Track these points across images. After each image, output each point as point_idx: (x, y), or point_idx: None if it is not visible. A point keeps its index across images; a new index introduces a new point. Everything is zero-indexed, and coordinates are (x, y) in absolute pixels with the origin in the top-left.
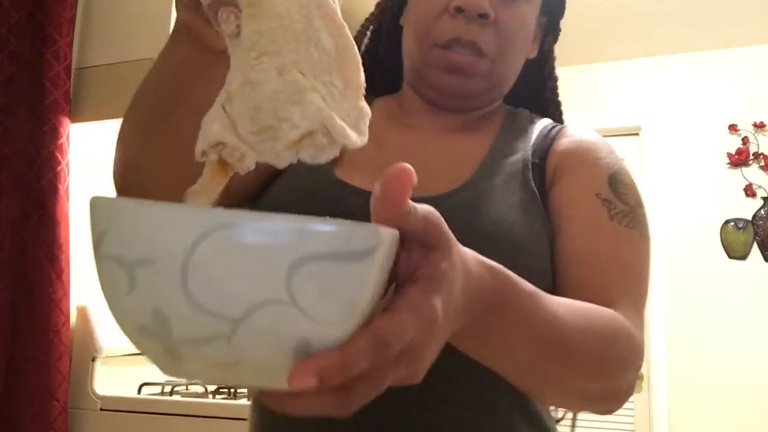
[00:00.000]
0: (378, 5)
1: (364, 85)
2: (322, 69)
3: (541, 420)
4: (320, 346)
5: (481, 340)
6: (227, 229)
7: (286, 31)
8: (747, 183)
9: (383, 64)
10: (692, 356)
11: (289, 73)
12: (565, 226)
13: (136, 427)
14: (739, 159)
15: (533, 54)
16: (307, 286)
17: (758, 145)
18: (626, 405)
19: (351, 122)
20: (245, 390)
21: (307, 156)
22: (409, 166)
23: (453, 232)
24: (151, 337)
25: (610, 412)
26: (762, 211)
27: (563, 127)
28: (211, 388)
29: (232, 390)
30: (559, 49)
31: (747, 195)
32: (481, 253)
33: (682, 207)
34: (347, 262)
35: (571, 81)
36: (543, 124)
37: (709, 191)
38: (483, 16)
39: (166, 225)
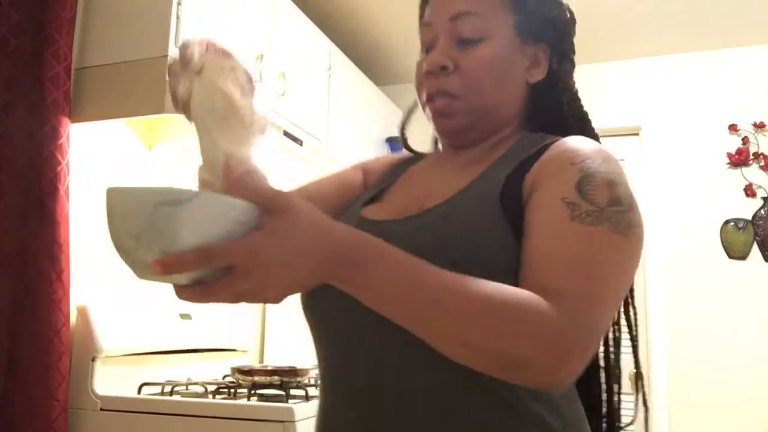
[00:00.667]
0: None
1: (248, 116)
2: (224, 121)
3: (516, 412)
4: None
5: (358, 284)
6: (130, 192)
7: (203, 112)
8: (747, 183)
9: None
10: (692, 356)
11: (209, 135)
12: (528, 235)
13: (136, 427)
14: (739, 159)
15: (536, 78)
16: (162, 219)
17: (758, 145)
18: (626, 405)
19: (247, 144)
20: (245, 390)
21: None
22: (234, 162)
23: (420, 241)
24: (123, 252)
25: (530, 383)
26: (762, 211)
27: (557, 140)
28: (212, 388)
29: (232, 390)
30: None
31: (747, 195)
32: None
33: (682, 207)
34: (178, 205)
35: None
36: (548, 142)
37: (709, 191)
38: (443, 68)
39: (127, 197)
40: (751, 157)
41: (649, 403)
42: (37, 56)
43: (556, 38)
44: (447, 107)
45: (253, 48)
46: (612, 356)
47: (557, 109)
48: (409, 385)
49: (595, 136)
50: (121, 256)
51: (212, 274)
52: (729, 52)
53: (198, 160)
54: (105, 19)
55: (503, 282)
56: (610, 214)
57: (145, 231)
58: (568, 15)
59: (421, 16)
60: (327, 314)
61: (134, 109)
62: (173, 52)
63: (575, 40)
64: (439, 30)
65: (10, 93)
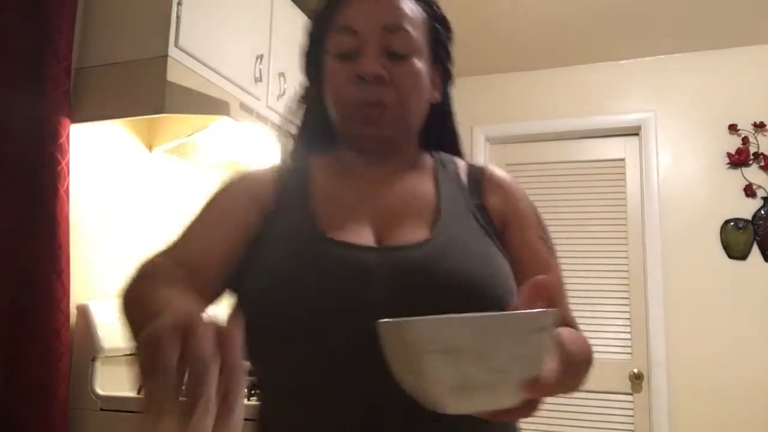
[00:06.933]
0: (302, 86)
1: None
2: None
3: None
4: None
5: None
6: (493, 321)
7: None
8: (747, 183)
9: (313, 129)
10: (692, 356)
11: None
12: (526, 266)
13: (136, 427)
14: (739, 159)
15: (435, 98)
16: (535, 345)
17: (758, 145)
18: (626, 405)
19: None
20: (244, 390)
21: None
22: (539, 279)
23: (453, 262)
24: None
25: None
26: (762, 211)
27: (484, 170)
28: None
29: None
30: (559, 49)
31: (747, 195)
32: (457, 295)
33: (682, 207)
34: (543, 332)
35: (571, 81)
36: (462, 165)
37: (709, 191)
38: (379, 78)
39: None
40: (751, 157)
41: (649, 404)
42: (37, 56)
43: (447, 59)
44: (379, 116)
45: (253, 48)
46: None
47: (444, 128)
48: None
49: (462, 153)
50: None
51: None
52: (729, 52)
53: None
54: (105, 19)
55: (505, 299)
56: (553, 245)
57: (518, 358)
58: (451, 32)
59: (328, 18)
60: None
61: (134, 109)
62: (173, 52)
63: (574, 40)
64: (368, 39)
65: (10, 93)
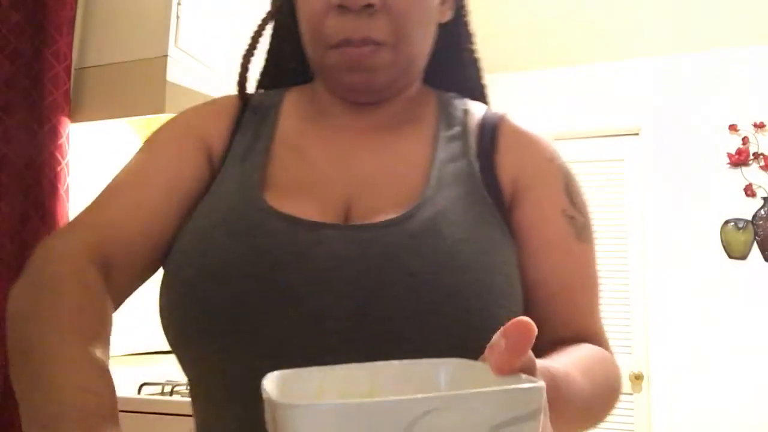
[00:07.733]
0: (273, 2)
1: None
2: None
3: None
4: None
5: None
6: (430, 414)
7: None
8: (747, 183)
9: (289, 59)
10: (692, 356)
11: None
12: (539, 253)
13: (136, 427)
14: (739, 159)
15: (447, 16)
16: None
17: (758, 145)
18: (626, 405)
19: None
20: None
21: None
22: (527, 320)
23: (416, 258)
24: None
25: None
26: (762, 211)
27: (502, 121)
28: None
29: None
30: (558, 49)
31: (747, 195)
32: (443, 284)
33: (682, 207)
34: (531, 420)
35: (571, 81)
36: (477, 113)
37: (709, 191)
38: (368, 6)
39: (380, 418)
40: (751, 157)
41: (649, 404)
42: (37, 56)
43: None
44: (371, 59)
45: None
46: None
47: (456, 55)
48: None
49: (484, 86)
50: None
51: None
52: (729, 52)
53: None
54: (105, 19)
55: (515, 290)
56: (591, 225)
57: None
58: None
59: None
60: None
61: (134, 109)
62: (173, 52)
63: (575, 40)
64: None
65: (10, 93)
